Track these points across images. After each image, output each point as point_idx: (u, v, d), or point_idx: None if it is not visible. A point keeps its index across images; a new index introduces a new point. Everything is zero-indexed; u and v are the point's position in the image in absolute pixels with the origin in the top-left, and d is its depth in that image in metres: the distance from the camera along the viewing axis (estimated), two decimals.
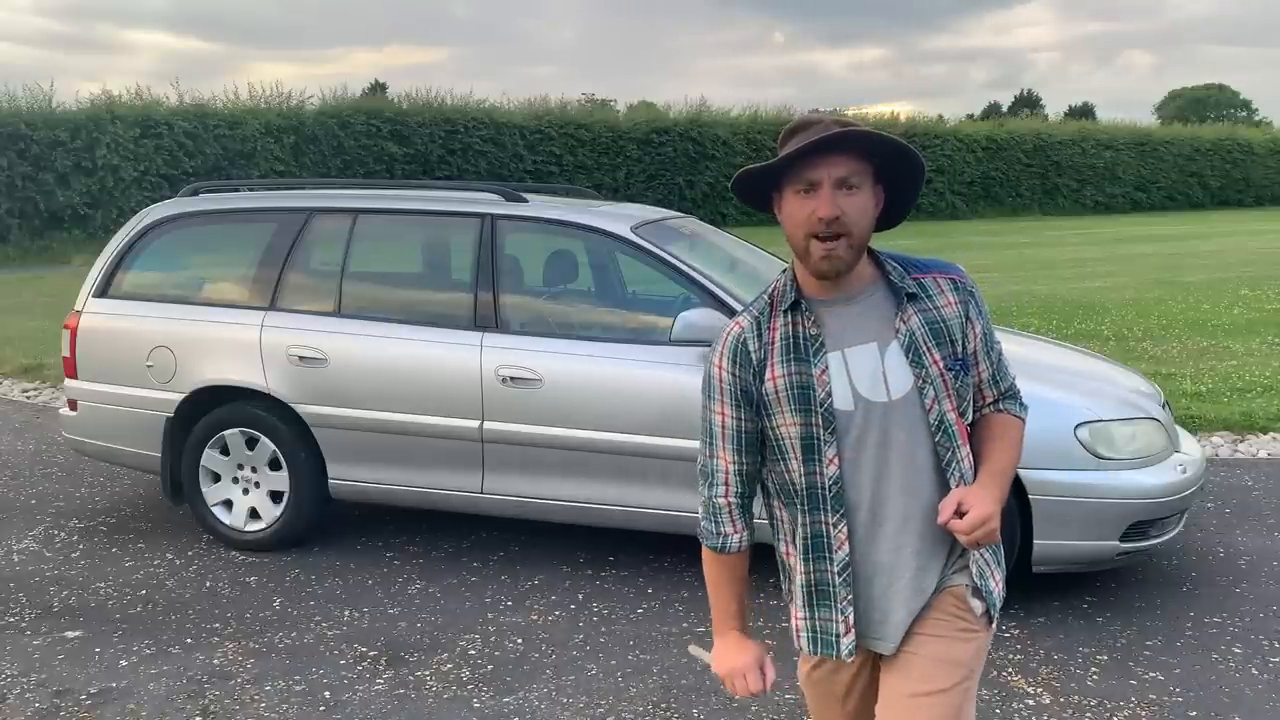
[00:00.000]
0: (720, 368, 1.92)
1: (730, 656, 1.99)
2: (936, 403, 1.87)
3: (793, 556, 1.97)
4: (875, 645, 1.96)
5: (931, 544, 1.91)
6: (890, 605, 1.92)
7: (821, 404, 1.86)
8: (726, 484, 1.95)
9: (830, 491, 1.88)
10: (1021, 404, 2.05)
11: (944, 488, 1.89)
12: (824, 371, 1.87)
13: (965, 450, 1.92)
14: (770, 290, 1.96)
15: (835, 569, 1.90)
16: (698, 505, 2.02)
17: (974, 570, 1.93)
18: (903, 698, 1.91)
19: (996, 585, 1.96)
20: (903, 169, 1.88)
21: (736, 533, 1.96)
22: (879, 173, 1.86)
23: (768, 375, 1.89)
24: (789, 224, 1.86)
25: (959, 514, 1.83)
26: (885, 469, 1.88)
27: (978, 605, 1.92)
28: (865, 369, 1.87)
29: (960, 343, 1.92)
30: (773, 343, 1.90)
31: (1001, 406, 2.02)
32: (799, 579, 1.96)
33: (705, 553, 2.00)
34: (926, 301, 1.91)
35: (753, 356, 1.90)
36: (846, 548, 1.89)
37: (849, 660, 1.95)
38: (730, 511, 1.95)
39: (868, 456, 1.87)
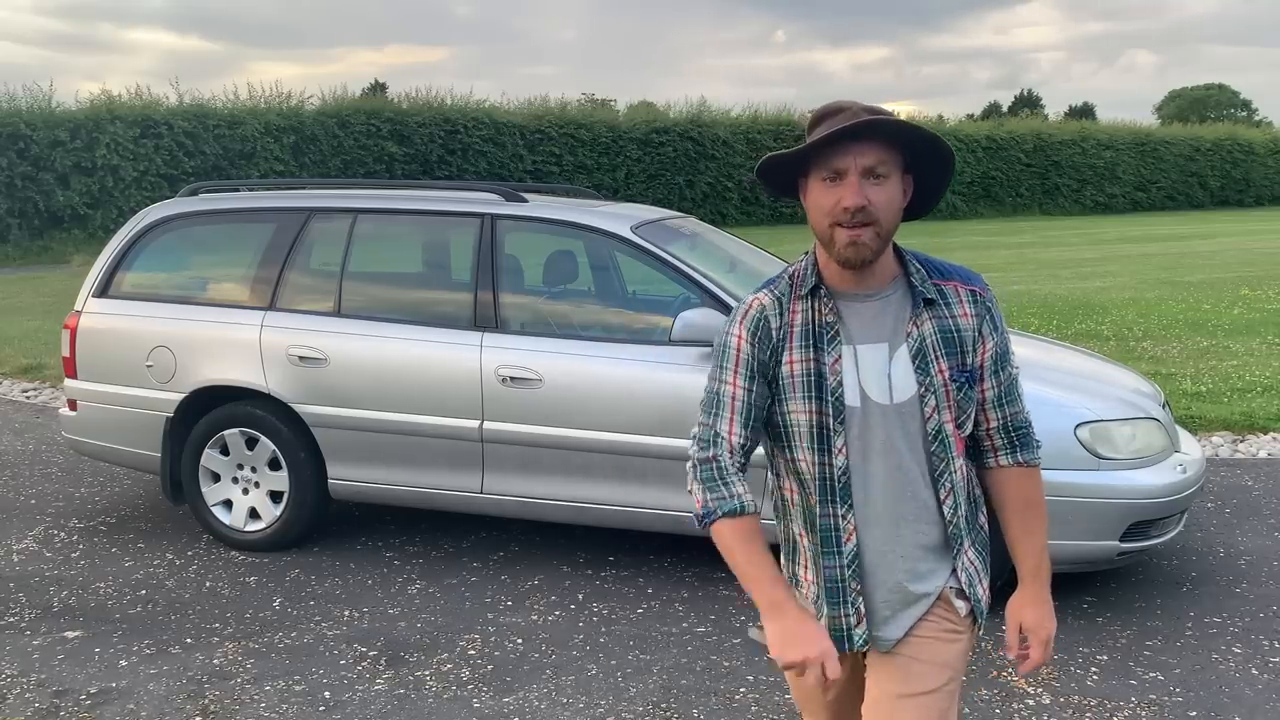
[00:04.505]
0: (740, 338, 1.87)
1: (801, 639, 1.73)
2: (936, 412, 1.86)
3: (804, 539, 1.95)
4: (871, 643, 1.95)
5: (919, 550, 1.90)
6: (878, 606, 1.91)
7: (833, 392, 1.84)
8: (731, 450, 1.85)
9: (840, 482, 1.86)
10: (1034, 445, 1.98)
11: (935, 497, 1.89)
12: (836, 361, 1.85)
13: (960, 462, 1.91)
14: (790, 271, 1.92)
15: (844, 561, 1.88)
16: (692, 485, 1.88)
17: (963, 579, 1.93)
18: (890, 698, 1.91)
19: (984, 593, 1.96)
20: (932, 158, 1.85)
21: (747, 492, 1.84)
22: (908, 162, 1.83)
23: (785, 359, 1.86)
24: (814, 212, 1.83)
25: (1022, 640, 1.98)
26: (881, 471, 1.87)
27: (962, 606, 1.93)
28: (872, 368, 1.85)
29: (971, 355, 1.90)
30: (792, 326, 1.87)
31: (1020, 458, 1.96)
32: (810, 587, 1.95)
33: (724, 527, 1.81)
34: (943, 309, 1.89)
35: (773, 334, 1.87)
36: (854, 539, 1.87)
37: (862, 650, 1.94)
38: (739, 473, 1.85)
39: (867, 454, 1.87)
